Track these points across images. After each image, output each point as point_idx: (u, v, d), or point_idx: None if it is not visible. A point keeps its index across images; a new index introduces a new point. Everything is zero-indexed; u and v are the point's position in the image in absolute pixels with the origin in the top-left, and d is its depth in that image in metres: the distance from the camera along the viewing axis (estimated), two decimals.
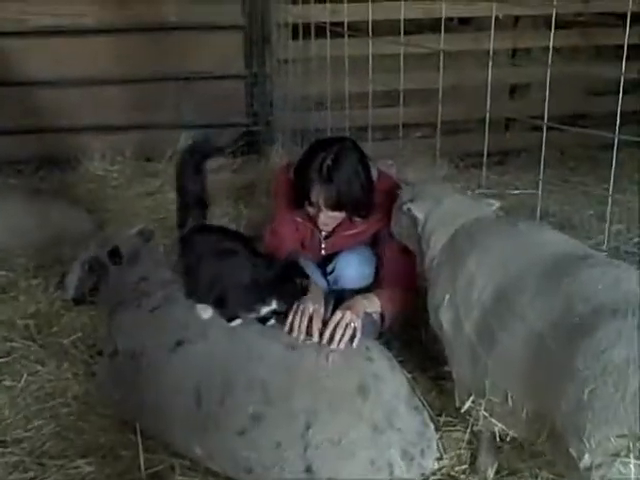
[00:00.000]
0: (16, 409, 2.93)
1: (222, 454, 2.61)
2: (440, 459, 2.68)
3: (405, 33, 4.10)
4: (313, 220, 3.20)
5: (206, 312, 2.82)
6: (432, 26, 5.77)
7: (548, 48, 3.11)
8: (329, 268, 3.25)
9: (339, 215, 3.12)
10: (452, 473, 2.64)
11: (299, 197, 3.11)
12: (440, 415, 2.86)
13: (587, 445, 1.82)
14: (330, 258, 3.30)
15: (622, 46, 2.96)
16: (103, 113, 5.48)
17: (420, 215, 2.74)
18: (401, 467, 2.56)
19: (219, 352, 2.73)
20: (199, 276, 2.85)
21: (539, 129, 3.28)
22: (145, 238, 3.21)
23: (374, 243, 3.29)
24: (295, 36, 5.11)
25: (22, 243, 4.20)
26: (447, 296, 2.48)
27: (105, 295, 3.09)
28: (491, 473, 2.59)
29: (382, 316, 3.06)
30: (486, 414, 2.32)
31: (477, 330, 2.33)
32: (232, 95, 5.55)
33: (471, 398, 2.37)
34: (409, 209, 2.75)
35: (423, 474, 2.60)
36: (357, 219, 3.18)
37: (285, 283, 2.79)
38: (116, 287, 3.07)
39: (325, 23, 4.60)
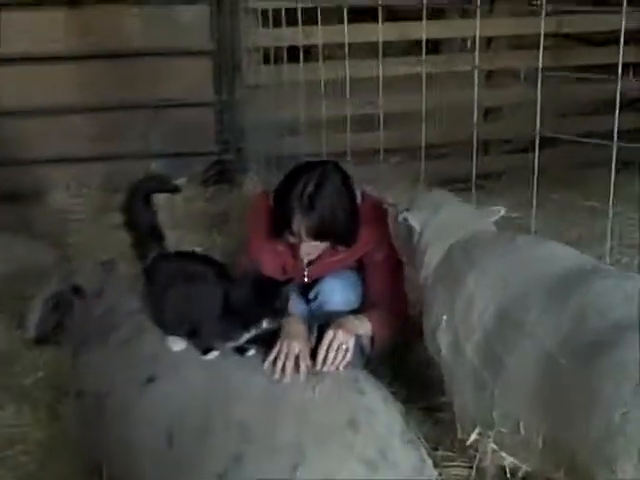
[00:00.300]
0: None
1: None
2: None
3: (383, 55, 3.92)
4: (294, 249, 3.00)
5: (177, 344, 2.59)
6: (404, 49, 5.72)
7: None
8: (312, 294, 3.05)
9: (320, 245, 2.92)
10: None
11: (279, 226, 2.90)
12: (437, 449, 2.65)
13: (619, 476, 1.61)
14: (312, 285, 3.09)
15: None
16: (67, 143, 5.24)
17: (417, 225, 2.55)
18: None
19: (193, 389, 2.49)
20: (167, 306, 2.61)
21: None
22: (108, 269, 2.98)
23: (360, 267, 3.09)
24: (266, 61, 4.96)
25: None
26: (444, 318, 2.28)
27: (70, 332, 2.84)
28: None
29: (372, 340, 2.86)
30: (495, 447, 2.09)
31: (480, 354, 2.13)
32: (202, 123, 5.35)
33: (476, 430, 2.15)
34: (405, 219, 2.56)
35: None
36: (341, 248, 2.98)
37: (265, 302, 2.56)
38: (81, 322, 2.82)
39: (298, 47, 4.44)
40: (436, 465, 2.51)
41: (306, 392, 2.47)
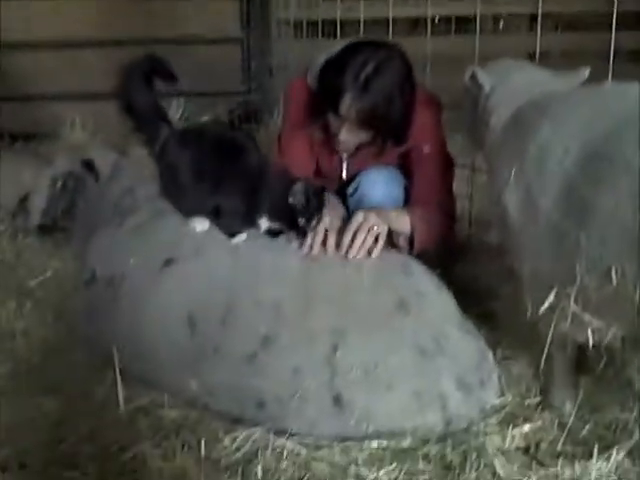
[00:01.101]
0: None
1: (225, 387, 2.04)
2: (502, 396, 2.11)
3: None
4: (332, 140, 2.65)
5: (200, 224, 2.28)
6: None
7: None
8: (350, 189, 2.69)
9: (363, 135, 2.52)
10: (519, 411, 2.06)
11: (322, 106, 2.51)
12: (496, 350, 2.30)
13: None
14: (350, 182, 2.75)
15: None
16: (84, 79, 4.96)
17: (486, 84, 2.21)
18: (456, 400, 1.99)
19: (218, 270, 2.19)
20: (188, 185, 2.28)
21: None
22: (123, 153, 2.68)
23: (404, 167, 2.75)
24: None
25: None
26: (512, 175, 1.93)
27: (82, 216, 2.53)
28: (570, 407, 2.03)
29: (411, 240, 2.48)
30: (576, 308, 1.74)
31: (561, 203, 1.78)
32: (228, 60, 5.06)
33: (554, 291, 1.80)
34: (474, 75, 2.22)
35: (483, 410, 2.03)
36: (379, 145, 2.57)
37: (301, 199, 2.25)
38: (96, 205, 2.51)
39: None
40: (497, 364, 2.19)
41: (346, 273, 2.16)
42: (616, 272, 1.63)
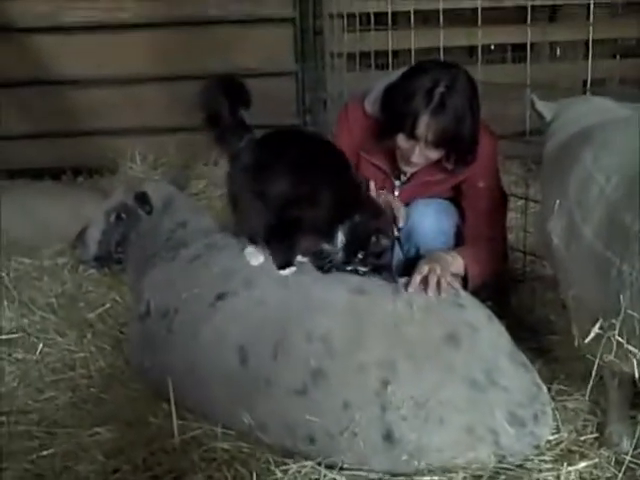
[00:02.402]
0: (27, 380, 2.43)
1: (276, 420, 2.05)
2: (557, 432, 2.08)
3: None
4: (390, 160, 2.63)
5: (256, 258, 2.30)
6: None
7: None
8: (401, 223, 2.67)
9: (435, 155, 2.51)
10: (575, 447, 2.02)
11: (389, 129, 2.50)
12: (551, 384, 2.27)
13: None
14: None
15: None
16: (143, 114, 5.11)
17: (547, 113, 2.23)
18: (509, 435, 1.96)
19: (269, 302, 2.21)
20: (258, 199, 2.22)
21: None
22: (179, 186, 2.73)
23: (456, 199, 2.73)
24: (350, 27, 4.70)
25: (52, 236, 3.74)
26: (557, 203, 1.92)
27: (135, 249, 2.59)
28: (628, 444, 1.98)
29: (465, 279, 2.47)
30: (622, 339, 1.71)
31: (602, 232, 1.76)
32: (282, 93, 5.12)
33: (599, 322, 1.77)
34: (532, 103, 2.25)
35: (537, 446, 2.00)
36: (450, 165, 2.55)
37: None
38: (149, 238, 2.57)
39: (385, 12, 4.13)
40: (552, 399, 2.15)
41: (398, 305, 2.15)
42: None
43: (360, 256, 2.24)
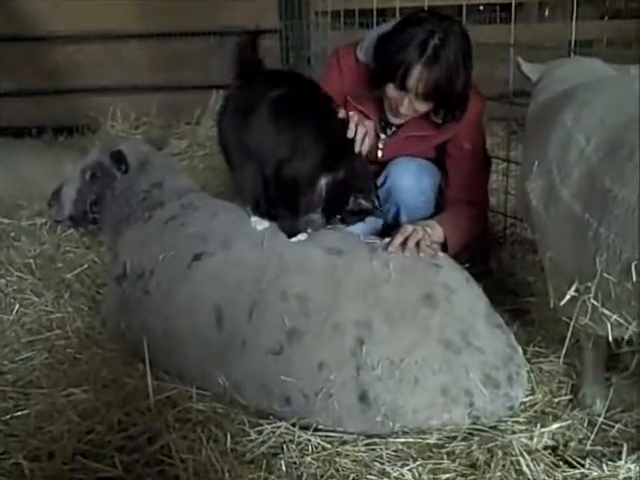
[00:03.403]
0: (3, 341, 2.41)
1: (251, 381, 2.05)
2: (532, 394, 2.09)
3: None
4: (378, 112, 2.58)
5: (261, 224, 2.25)
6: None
7: None
8: (381, 178, 2.64)
9: (424, 107, 2.46)
10: (549, 409, 2.04)
11: (380, 78, 2.45)
12: (527, 346, 2.27)
13: None
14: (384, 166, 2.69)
15: None
16: (125, 72, 5.01)
17: (532, 75, 2.21)
18: (483, 396, 1.97)
19: (245, 264, 2.19)
20: (254, 158, 2.19)
21: None
22: (158, 146, 2.68)
23: (440, 157, 2.71)
24: None
25: (32, 194, 3.69)
26: (536, 163, 1.90)
27: (111, 208, 2.55)
28: (601, 406, 1.99)
29: (444, 246, 2.43)
30: (597, 303, 1.71)
31: (581, 194, 1.74)
32: (266, 51, 5.03)
33: (574, 285, 1.76)
34: (518, 64, 2.23)
35: (511, 407, 2.00)
36: (438, 119, 2.52)
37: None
38: (124, 198, 2.53)
39: None
40: (527, 361, 2.16)
41: (375, 266, 2.14)
42: (636, 267, 1.58)
43: (339, 217, 2.22)
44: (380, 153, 2.66)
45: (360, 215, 2.24)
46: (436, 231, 2.40)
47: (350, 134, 2.22)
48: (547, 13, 6.79)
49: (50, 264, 2.93)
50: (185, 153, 4.60)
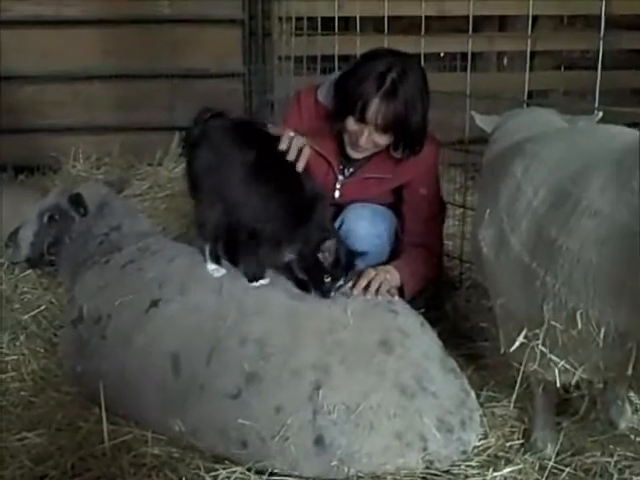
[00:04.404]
0: None
1: (209, 426, 2.05)
2: (485, 438, 2.12)
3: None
4: (336, 153, 2.65)
5: (219, 271, 2.27)
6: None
7: None
8: (337, 221, 2.69)
9: (383, 140, 2.52)
10: (501, 453, 2.07)
11: (340, 112, 2.52)
12: (481, 391, 2.31)
13: None
14: (339, 212, 2.75)
15: None
16: (88, 112, 5.03)
17: (487, 127, 2.30)
18: (437, 441, 1.99)
19: (204, 309, 2.20)
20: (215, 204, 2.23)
21: None
22: (117, 188, 2.70)
23: (396, 203, 2.77)
24: (299, 31, 4.72)
25: None
26: (488, 211, 1.96)
27: (68, 251, 2.55)
28: (551, 450, 2.03)
29: (401, 291, 2.48)
30: (545, 349, 1.76)
31: (529, 244, 1.80)
32: (230, 94, 5.10)
33: (523, 332, 1.82)
34: (473, 117, 2.31)
35: (464, 451, 2.04)
36: (397, 154, 2.58)
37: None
38: (82, 241, 2.54)
39: (333, 18, 4.16)
40: (480, 405, 2.19)
41: (333, 311, 2.17)
42: (580, 316, 1.64)
43: (327, 279, 2.21)
44: (338, 193, 2.72)
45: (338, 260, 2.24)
46: (393, 276, 2.44)
47: (282, 147, 2.24)
48: (506, 62, 6.98)
49: (7, 305, 2.89)
50: (146, 194, 4.60)
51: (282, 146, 2.24)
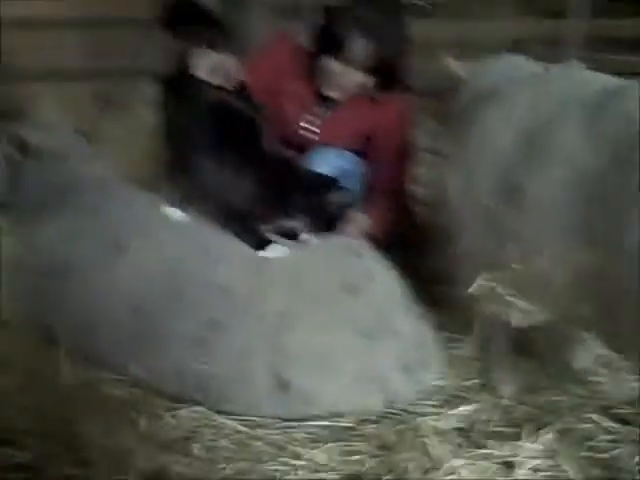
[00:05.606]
0: None
1: (169, 370, 2.05)
2: (444, 378, 2.16)
3: None
4: (315, 91, 2.63)
5: (177, 213, 2.26)
6: None
7: None
8: (303, 164, 2.63)
9: (362, 80, 2.53)
10: (458, 393, 2.11)
11: (320, 51, 2.53)
12: (442, 332, 2.34)
13: None
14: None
15: None
16: (55, 59, 4.93)
17: (461, 73, 2.29)
18: (397, 381, 2.03)
19: (166, 255, 2.19)
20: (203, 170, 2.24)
21: None
22: (75, 135, 2.64)
23: (367, 148, 2.75)
24: None
25: None
26: (456, 156, 1.97)
27: (20, 198, 2.50)
28: (509, 390, 2.07)
29: (368, 235, 2.48)
30: (504, 291, 1.79)
31: (495, 187, 1.82)
32: None
33: (482, 276, 1.85)
34: (448, 63, 2.32)
35: (423, 391, 2.08)
36: (376, 94, 2.59)
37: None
38: (35, 188, 2.49)
39: None
40: (441, 347, 2.23)
41: (298, 256, 2.18)
42: (542, 257, 1.67)
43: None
44: (312, 133, 2.71)
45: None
46: (361, 220, 2.46)
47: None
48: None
49: None
50: (117, 140, 4.55)
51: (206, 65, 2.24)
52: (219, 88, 2.29)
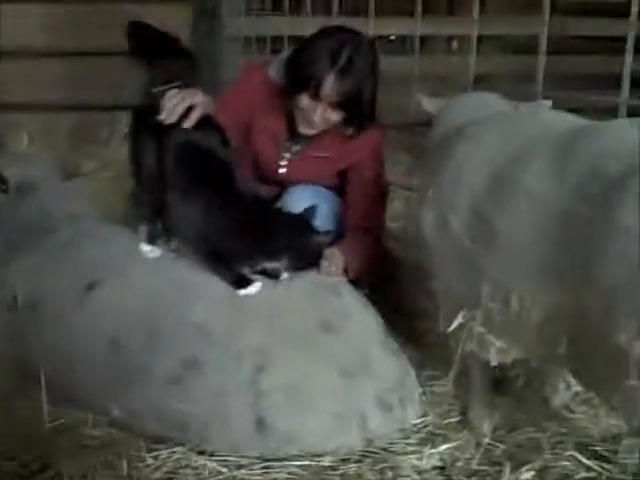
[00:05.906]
0: None
1: (148, 409, 2.03)
2: (424, 416, 2.16)
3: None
4: (286, 127, 2.66)
5: (153, 252, 2.26)
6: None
7: None
8: (278, 203, 2.67)
9: (336, 117, 2.54)
10: (439, 431, 2.11)
11: (293, 89, 2.52)
12: (421, 370, 2.35)
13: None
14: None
15: None
16: (34, 90, 4.92)
17: (432, 110, 2.33)
18: (377, 419, 2.03)
19: (143, 291, 2.19)
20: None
21: None
22: (43, 164, 2.63)
23: (341, 186, 2.78)
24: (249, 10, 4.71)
25: None
26: (429, 193, 2.00)
27: None
28: (487, 427, 2.08)
29: (344, 273, 2.48)
30: (482, 329, 1.81)
31: (468, 224, 1.84)
32: None
33: (461, 313, 1.87)
34: (419, 101, 2.34)
35: (404, 430, 2.08)
36: (348, 131, 2.61)
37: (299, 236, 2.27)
38: (11, 222, 2.48)
39: None
40: (420, 384, 2.24)
41: (275, 293, 2.18)
42: (514, 297, 1.69)
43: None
44: (284, 171, 2.74)
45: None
46: (337, 258, 2.47)
47: (168, 105, 2.17)
48: (454, 47, 7.03)
49: None
50: (92, 174, 4.54)
51: (168, 105, 2.17)
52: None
